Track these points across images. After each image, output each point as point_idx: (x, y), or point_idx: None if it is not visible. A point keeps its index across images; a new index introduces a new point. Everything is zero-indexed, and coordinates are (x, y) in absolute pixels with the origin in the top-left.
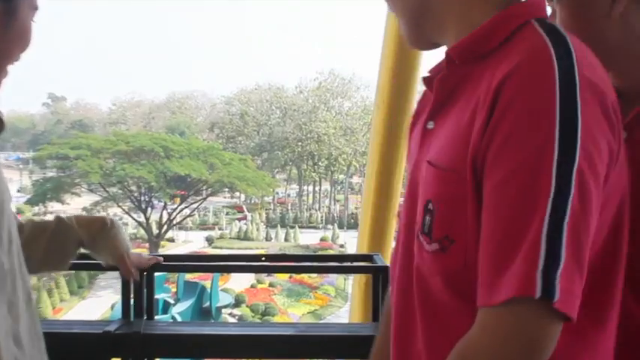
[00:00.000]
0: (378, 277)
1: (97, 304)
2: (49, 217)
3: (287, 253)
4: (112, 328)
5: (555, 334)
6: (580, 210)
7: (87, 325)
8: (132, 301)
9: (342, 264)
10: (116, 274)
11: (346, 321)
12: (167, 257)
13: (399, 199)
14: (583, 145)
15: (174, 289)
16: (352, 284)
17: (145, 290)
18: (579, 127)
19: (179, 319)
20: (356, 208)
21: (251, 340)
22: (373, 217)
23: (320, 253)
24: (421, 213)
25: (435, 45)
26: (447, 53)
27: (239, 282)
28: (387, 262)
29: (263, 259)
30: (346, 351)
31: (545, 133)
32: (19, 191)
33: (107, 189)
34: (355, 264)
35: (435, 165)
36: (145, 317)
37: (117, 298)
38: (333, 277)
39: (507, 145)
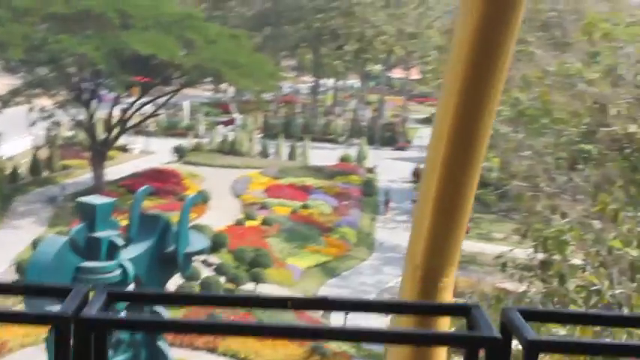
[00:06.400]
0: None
1: (13, 237)
2: None
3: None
4: None
5: None
6: None
7: None
8: None
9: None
10: (41, 194)
11: (369, 280)
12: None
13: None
14: None
15: (125, 222)
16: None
17: None
18: None
19: (130, 267)
20: (394, 116)
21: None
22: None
23: (337, 180)
24: None
25: None
26: None
27: (219, 216)
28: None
29: (289, 302)
30: None
31: None
32: None
33: (34, 69)
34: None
35: None
36: None
37: (41, 230)
38: (355, 214)
39: None
